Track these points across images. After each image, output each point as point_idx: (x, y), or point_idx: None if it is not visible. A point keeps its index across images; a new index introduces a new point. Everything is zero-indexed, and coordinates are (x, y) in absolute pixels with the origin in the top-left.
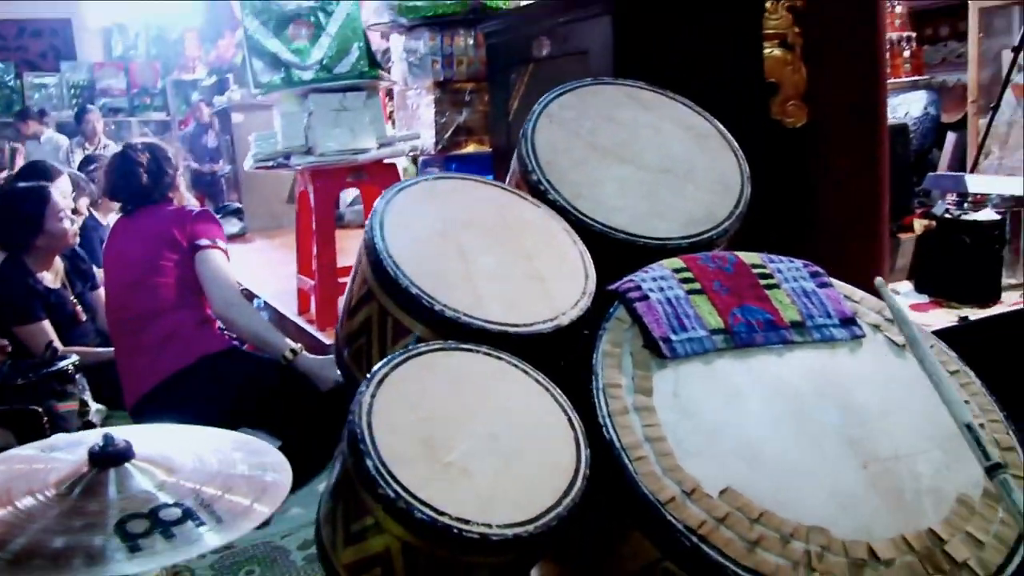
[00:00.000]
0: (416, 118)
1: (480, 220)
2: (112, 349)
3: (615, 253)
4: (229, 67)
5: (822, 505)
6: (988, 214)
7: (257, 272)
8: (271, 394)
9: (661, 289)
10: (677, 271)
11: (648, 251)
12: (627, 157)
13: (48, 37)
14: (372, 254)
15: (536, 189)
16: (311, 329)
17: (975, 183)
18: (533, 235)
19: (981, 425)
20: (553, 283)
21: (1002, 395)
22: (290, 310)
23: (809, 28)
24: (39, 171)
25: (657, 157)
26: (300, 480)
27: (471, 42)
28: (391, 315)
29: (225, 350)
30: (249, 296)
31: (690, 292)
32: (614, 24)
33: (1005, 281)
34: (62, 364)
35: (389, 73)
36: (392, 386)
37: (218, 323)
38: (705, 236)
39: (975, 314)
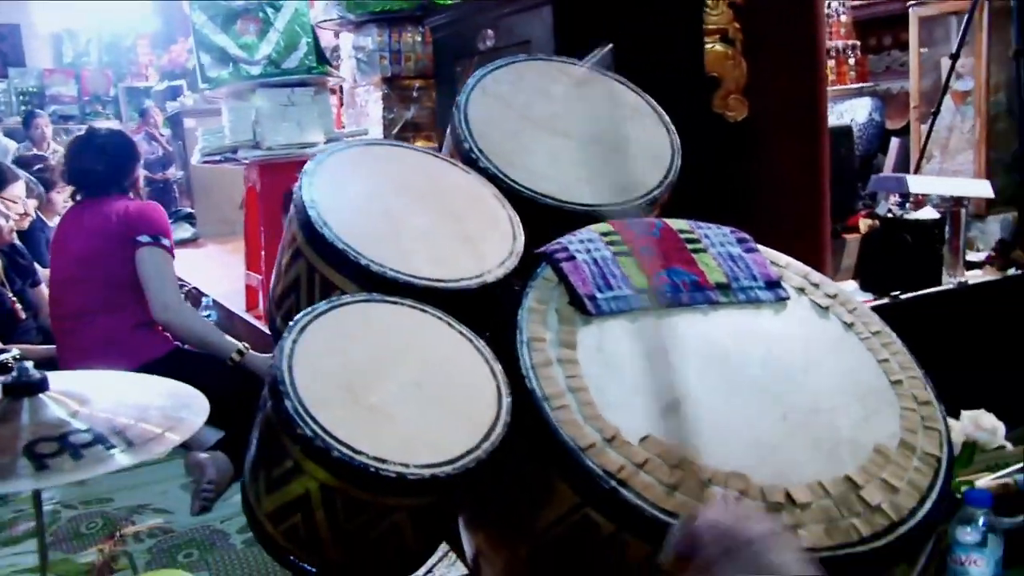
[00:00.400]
0: (364, 115)
1: (411, 184)
2: (54, 347)
3: (544, 220)
4: (182, 72)
5: (742, 453)
6: (929, 213)
7: (208, 274)
8: (216, 393)
9: (588, 251)
10: (605, 234)
11: (576, 217)
12: (559, 129)
13: None
14: (300, 212)
15: (468, 158)
16: (259, 324)
17: (916, 184)
18: (463, 199)
19: (900, 382)
20: (481, 243)
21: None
22: (239, 307)
23: (749, 24)
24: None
25: (588, 129)
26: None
27: (419, 39)
28: (319, 272)
29: (167, 355)
30: (198, 296)
31: (617, 254)
32: (555, 14)
33: (944, 279)
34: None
35: (338, 70)
36: (314, 333)
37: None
38: (634, 203)
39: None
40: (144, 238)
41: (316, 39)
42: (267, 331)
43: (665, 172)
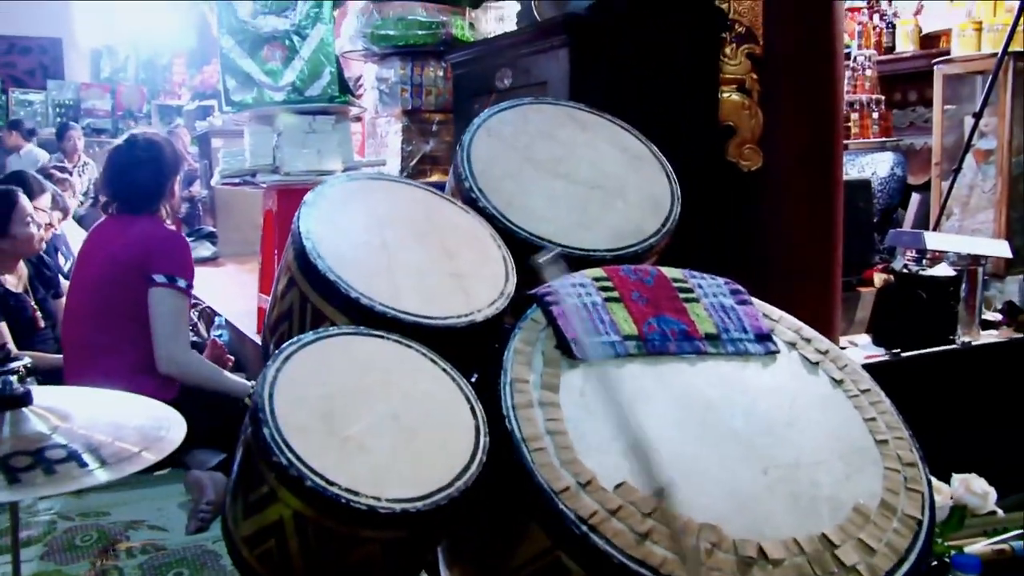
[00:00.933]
0: (384, 146)
1: (407, 218)
2: None
3: None
4: (213, 93)
5: (717, 504)
6: (944, 270)
7: (223, 292)
8: (219, 415)
9: (579, 295)
10: (597, 279)
11: (572, 261)
12: (561, 172)
13: (37, 55)
14: (296, 242)
15: (468, 197)
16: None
17: (933, 240)
18: (458, 237)
19: (886, 441)
20: (472, 282)
21: (922, 426)
22: (251, 328)
23: (767, 75)
24: (22, 181)
25: (590, 173)
26: None
27: (440, 73)
28: (310, 302)
29: (176, 399)
30: (212, 314)
31: (607, 300)
32: (571, 57)
33: (958, 337)
34: (13, 365)
35: (361, 100)
36: (298, 363)
37: None
38: (631, 250)
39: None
40: (160, 277)
41: (340, 69)
42: None
43: (664, 220)
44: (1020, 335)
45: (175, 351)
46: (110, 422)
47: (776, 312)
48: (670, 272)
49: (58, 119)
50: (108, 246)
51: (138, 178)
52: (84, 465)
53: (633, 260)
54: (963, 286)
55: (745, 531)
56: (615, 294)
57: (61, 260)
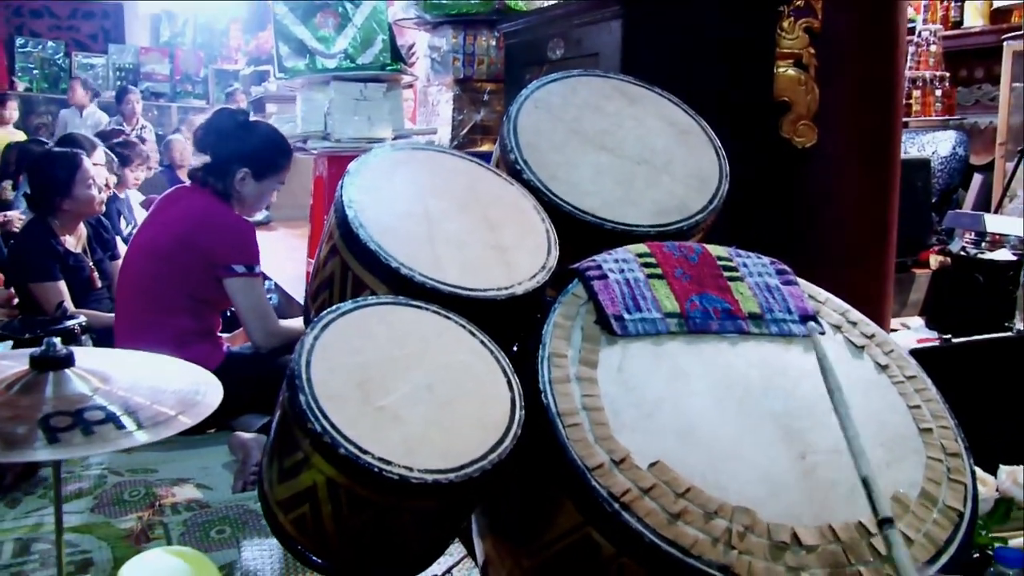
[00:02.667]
0: (435, 114)
1: (451, 189)
2: None
3: (583, 236)
4: (268, 58)
5: (752, 488)
6: (1004, 254)
7: (274, 256)
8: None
9: (621, 271)
10: (640, 255)
11: (615, 236)
12: (607, 145)
13: (99, 19)
14: (339, 210)
15: (513, 168)
16: None
17: (994, 223)
18: (502, 209)
19: (930, 430)
20: (514, 254)
21: (970, 415)
22: (299, 292)
23: (825, 50)
24: (75, 142)
25: (637, 148)
26: None
27: (493, 43)
28: (351, 270)
29: (221, 365)
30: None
31: (650, 276)
32: (625, 29)
33: (1015, 324)
34: (70, 323)
35: (413, 69)
36: (336, 331)
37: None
38: (675, 226)
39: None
40: (239, 267)
41: (392, 36)
42: None
43: (711, 197)
44: None
45: (270, 328)
46: (149, 385)
47: (822, 294)
48: (715, 250)
49: (118, 83)
50: (174, 220)
51: (220, 150)
52: (121, 427)
53: (677, 237)
54: (1023, 271)
55: (779, 515)
56: (658, 271)
57: (123, 224)
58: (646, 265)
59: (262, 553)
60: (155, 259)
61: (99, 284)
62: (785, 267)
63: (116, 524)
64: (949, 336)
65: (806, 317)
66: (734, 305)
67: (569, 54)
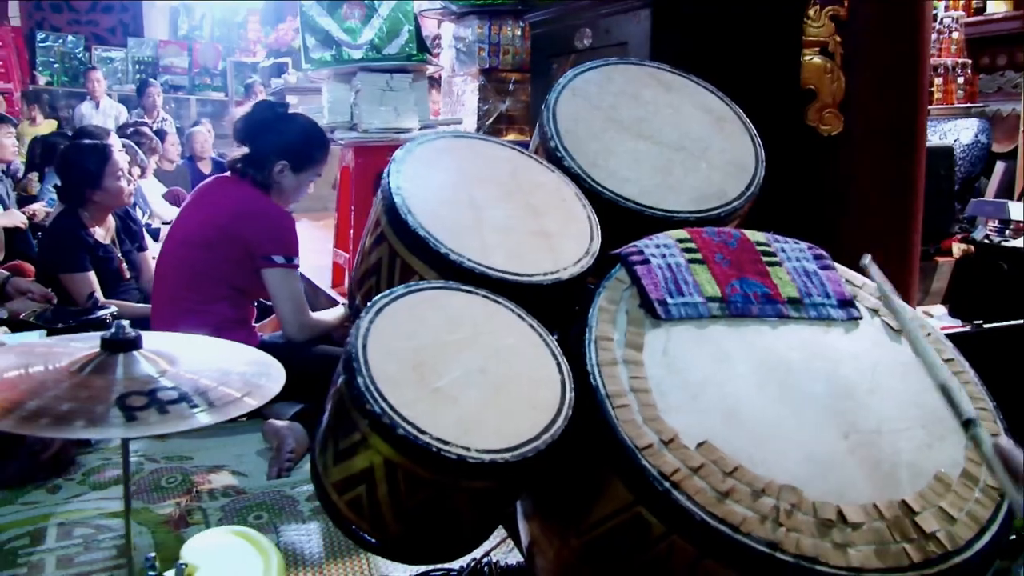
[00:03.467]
0: (460, 104)
1: (494, 176)
2: (150, 307)
3: (624, 222)
4: (288, 51)
5: (797, 467)
6: None
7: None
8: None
9: (663, 256)
10: (681, 241)
11: (655, 222)
12: (645, 133)
13: (118, 13)
14: (386, 198)
15: (553, 156)
16: (342, 300)
17: (1018, 210)
18: (544, 196)
19: None
20: (558, 240)
21: (1004, 401)
22: (324, 283)
23: (850, 38)
24: (89, 134)
25: (674, 135)
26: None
27: (518, 33)
28: (399, 256)
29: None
30: None
31: (691, 261)
32: (653, 18)
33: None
34: (101, 313)
35: (438, 59)
36: (390, 315)
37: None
38: (713, 212)
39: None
40: (278, 258)
41: (418, 27)
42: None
43: (748, 184)
44: None
45: (305, 321)
46: (215, 367)
47: (859, 278)
48: (753, 235)
49: (138, 76)
50: (214, 209)
51: (259, 142)
52: (194, 406)
53: (715, 223)
54: None
55: (825, 494)
56: (698, 256)
57: (139, 214)
58: (687, 250)
59: (300, 538)
60: (195, 248)
61: (128, 275)
62: (822, 252)
63: (155, 510)
64: (980, 322)
65: (844, 301)
66: (773, 290)
67: (597, 43)
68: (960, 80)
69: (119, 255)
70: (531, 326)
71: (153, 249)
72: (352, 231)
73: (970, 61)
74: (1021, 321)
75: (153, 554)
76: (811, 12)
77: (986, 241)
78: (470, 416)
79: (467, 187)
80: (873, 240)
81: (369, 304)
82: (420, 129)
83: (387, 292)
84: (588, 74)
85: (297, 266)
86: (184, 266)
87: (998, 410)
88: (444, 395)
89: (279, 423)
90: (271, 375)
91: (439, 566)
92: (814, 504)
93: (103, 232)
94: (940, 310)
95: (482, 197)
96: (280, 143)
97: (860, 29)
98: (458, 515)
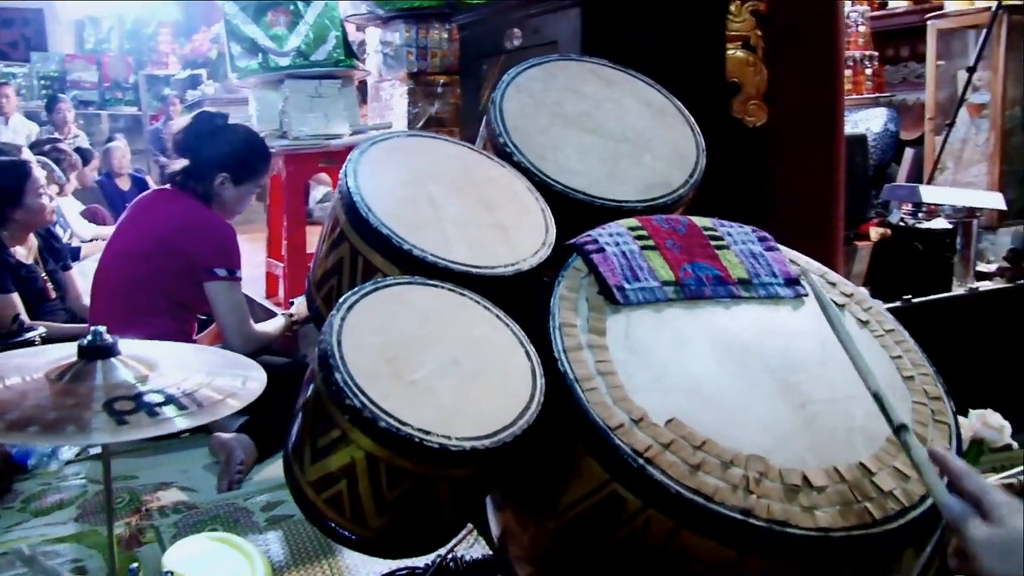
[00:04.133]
0: (389, 109)
1: (447, 173)
2: (81, 327)
3: (574, 213)
4: (204, 61)
5: (760, 438)
6: (941, 223)
7: None
8: None
9: (616, 244)
10: (632, 229)
11: (605, 212)
12: (589, 126)
13: (19, 27)
14: (345, 197)
15: (503, 151)
16: (279, 311)
17: (929, 193)
18: (497, 190)
19: (912, 377)
20: (515, 232)
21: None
22: (258, 294)
23: (771, 31)
24: (7, 152)
25: (617, 128)
26: (265, 451)
27: (446, 35)
28: (362, 255)
29: None
30: None
31: (644, 248)
32: (583, 16)
33: (954, 288)
34: (29, 335)
35: (364, 65)
36: (361, 312)
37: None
38: (660, 201)
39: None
40: (221, 271)
41: (345, 33)
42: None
43: (691, 171)
44: (1019, 282)
45: (248, 333)
46: (195, 371)
47: (802, 258)
48: (700, 221)
49: (44, 91)
50: (154, 222)
51: (199, 154)
52: (183, 408)
53: (663, 210)
54: (958, 238)
55: (788, 461)
56: (650, 242)
57: (60, 232)
58: (639, 238)
59: (259, 548)
60: (134, 261)
61: (53, 295)
62: (766, 234)
63: (104, 531)
64: (910, 296)
65: (789, 280)
66: (724, 272)
67: (527, 43)
68: (868, 71)
69: (43, 275)
70: (497, 316)
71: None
72: (285, 240)
73: (876, 53)
74: (946, 295)
75: (136, 564)
76: (733, 7)
77: (902, 224)
78: (448, 406)
79: (423, 184)
80: (800, 226)
81: (339, 302)
82: (351, 134)
83: (355, 289)
84: (531, 71)
85: (240, 279)
86: (123, 279)
87: (938, 374)
88: (421, 387)
89: (225, 436)
90: (251, 376)
91: (404, 564)
92: (780, 471)
93: (25, 252)
94: (863, 292)
95: (438, 193)
96: (221, 155)
97: (780, 23)
98: (439, 505)
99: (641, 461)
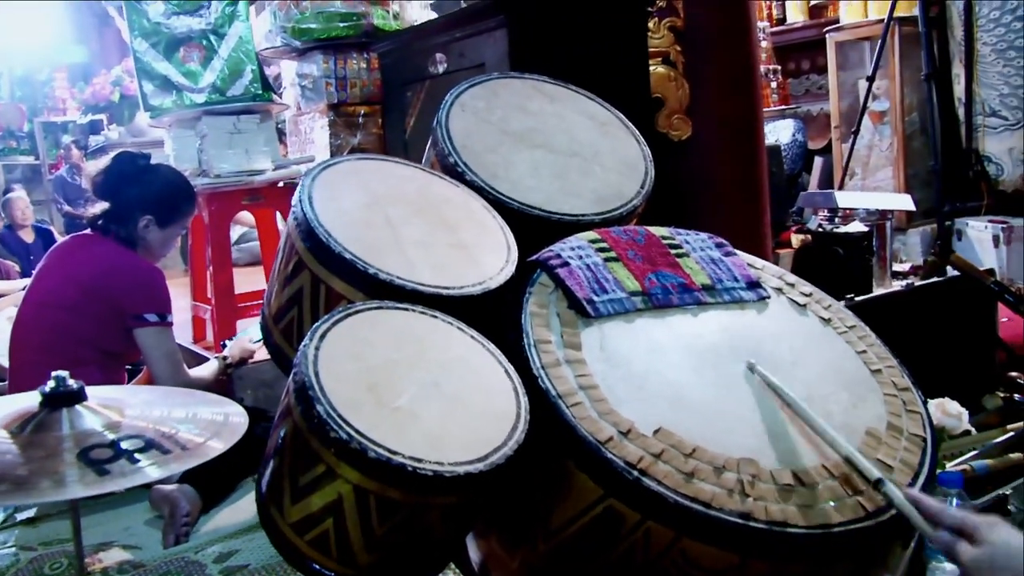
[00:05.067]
0: (310, 142)
1: (403, 195)
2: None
3: (532, 229)
4: (106, 105)
5: (747, 441)
6: (857, 226)
7: None
8: None
9: (580, 257)
10: (593, 242)
11: (563, 226)
12: (537, 142)
13: None
14: (303, 224)
15: (454, 171)
16: (209, 355)
17: (844, 199)
18: (455, 209)
19: (880, 371)
20: (477, 251)
21: None
22: (186, 339)
23: (689, 47)
24: None
25: (565, 142)
26: (211, 502)
27: (364, 65)
28: (324, 283)
29: None
30: None
31: (607, 259)
32: (509, 38)
33: (875, 289)
34: None
35: (280, 98)
36: (334, 340)
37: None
38: (615, 212)
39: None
40: (151, 316)
41: (260, 66)
42: (216, 358)
43: (642, 182)
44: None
45: (182, 379)
46: (166, 414)
47: (759, 261)
48: (657, 231)
49: None
50: (77, 268)
51: (121, 196)
52: (167, 452)
53: (618, 222)
54: (874, 241)
55: (778, 462)
56: (612, 254)
57: None
58: (600, 250)
59: None
60: (57, 310)
61: None
62: (723, 240)
63: None
64: (852, 295)
65: (751, 283)
66: (687, 279)
67: (452, 67)
68: (774, 84)
69: None
70: (472, 337)
71: None
72: (211, 281)
73: (779, 67)
74: (886, 291)
75: None
76: (651, 24)
77: (820, 230)
78: (435, 431)
79: (380, 207)
80: (729, 236)
81: (312, 330)
82: (274, 169)
83: (326, 317)
84: (473, 90)
85: (171, 323)
86: (46, 330)
87: (903, 365)
88: (405, 413)
89: (167, 488)
90: (230, 413)
91: None
92: (771, 472)
93: None
94: (819, 292)
95: (396, 215)
96: (144, 197)
97: (697, 37)
98: (430, 535)
99: (636, 473)
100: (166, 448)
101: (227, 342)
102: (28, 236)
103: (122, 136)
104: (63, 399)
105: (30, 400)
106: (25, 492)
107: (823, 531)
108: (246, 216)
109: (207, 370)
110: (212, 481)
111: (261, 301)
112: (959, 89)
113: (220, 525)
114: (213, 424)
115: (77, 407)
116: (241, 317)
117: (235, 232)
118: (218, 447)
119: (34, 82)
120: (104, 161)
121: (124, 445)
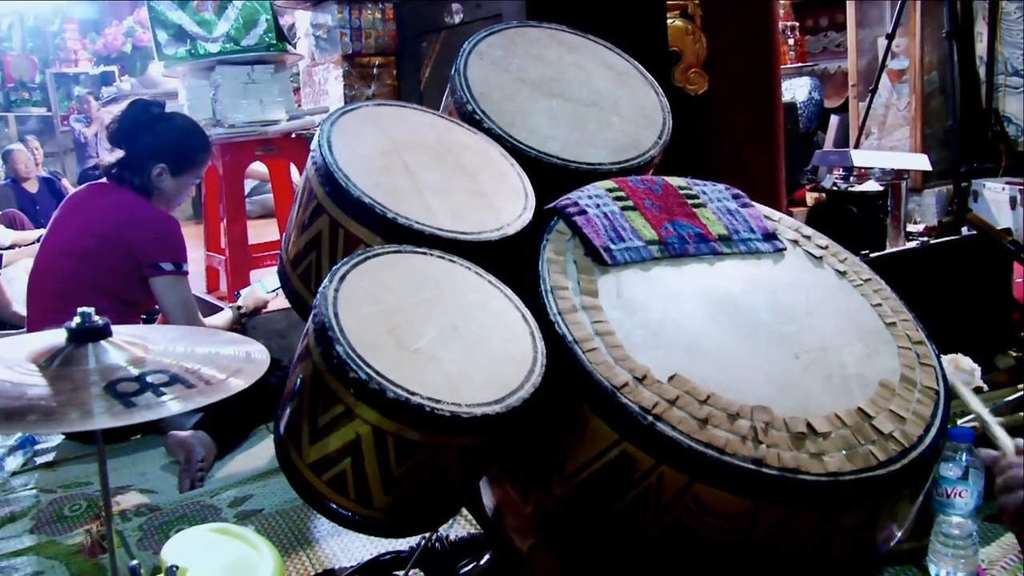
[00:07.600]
0: (323, 93)
1: (422, 141)
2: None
3: (549, 178)
4: (118, 56)
5: (761, 389)
6: (872, 185)
7: None
8: None
9: (597, 206)
10: (610, 191)
11: (580, 175)
12: (555, 91)
13: None
14: (322, 169)
15: (471, 119)
16: (224, 305)
17: (859, 158)
18: (472, 157)
19: (894, 323)
20: (496, 198)
21: None
22: (199, 289)
23: (707, 1)
24: None
25: (583, 92)
26: (225, 448)
27: (379, 15)
28: (342, 227)
29: None
30: None
31: (624, 208)
32: None
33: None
34: None
35: (295, 49)
36: (354, 282)
37: None
38: (633, 162)
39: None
40: (167, 265)
41: (275, 16)
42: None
43: (659, 133)
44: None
45: (197, 325)
46: (193, 351)
47: (776, 213)
48: (674, 181)
49: None
50: (92, 217)
51: (135, 145)
52: (191, 386)
53: (636, 172)
54: (888, 200)
55: (791, 410)
56: (629, 203)
57: None
58: (618, 199)
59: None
60: (73, 258)
61: None
62: (740, 192)
63: (63, 541)
64: (867, 251)
65: (767, 235)
66: (704, 229)
67: (468, 17)
68: (791, 42)
69: None
70: (490, 282)
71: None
72: (225, 232)
73: (797, 24)
74: (900, 248)
75: (136, 562)
76: None
77: (835, 188)
78: (454, 373)
79: (398, 153)
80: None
81: (331, 272)
82: (288, 120)
83: (345, 260)
84: (491, 38)
85: (187, 272)
86: (62, 278)
87: (918, 319)
88: (425, 355)
89: (182, 434)
90: (252, 351)
91: (388, 549)
92: (785, 420)
93: None
94: (835, 244)
95: (415, 162)
96: (157, 145)
97: None
98: (446, 477)
99: (650, 418)
100: (190, 383)
101: (241, 292)
102: (32, 187)
103: (134, 87)
104: (89, 334)
105: (56, 336)
106: (54, 422)
107: (833, 479)
108: (257, 168)
109: (221, 319)
110: (226, 428)
111: (274, 252)
112: (981, 47)
113: (234, 471)
114: (236, 360)
115: (102, 343)
116: (255, 267)
117: (247, 185)
118: (241, 383)
119: (45, 33)
120: (118, 108)
121: (149, 379)
